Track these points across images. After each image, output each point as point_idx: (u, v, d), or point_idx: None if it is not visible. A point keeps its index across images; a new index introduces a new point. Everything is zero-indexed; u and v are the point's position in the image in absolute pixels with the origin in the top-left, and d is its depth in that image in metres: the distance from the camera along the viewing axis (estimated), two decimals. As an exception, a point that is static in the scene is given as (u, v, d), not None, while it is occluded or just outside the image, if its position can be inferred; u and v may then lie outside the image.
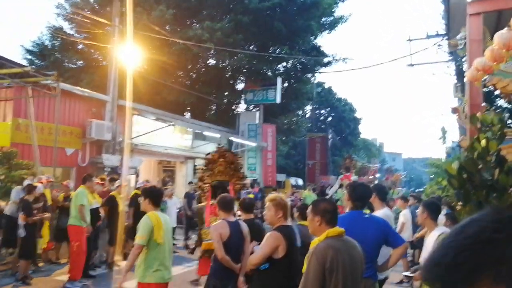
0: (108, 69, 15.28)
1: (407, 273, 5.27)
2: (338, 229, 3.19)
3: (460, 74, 13.27)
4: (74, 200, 8.22)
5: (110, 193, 9.54)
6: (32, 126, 11.58)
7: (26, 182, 9.24)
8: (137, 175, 15.55)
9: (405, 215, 9.17)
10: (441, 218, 5.06)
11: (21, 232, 8.05)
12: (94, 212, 8.79)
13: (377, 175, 35.25)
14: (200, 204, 8.07)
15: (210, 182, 7.92)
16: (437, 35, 14.81)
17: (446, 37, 12.82)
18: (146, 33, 17.13)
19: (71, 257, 8.28)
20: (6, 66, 10.22)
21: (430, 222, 4.75)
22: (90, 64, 23.30)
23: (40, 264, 9.45)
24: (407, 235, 8.59)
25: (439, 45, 14.99)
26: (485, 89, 7.95)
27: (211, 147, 20.60)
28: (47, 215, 8.91)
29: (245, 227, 4.96)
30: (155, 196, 4.98)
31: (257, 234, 4.90)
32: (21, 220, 8.07)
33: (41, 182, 9.50)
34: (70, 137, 13.55)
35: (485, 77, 5.76)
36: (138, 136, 15.91)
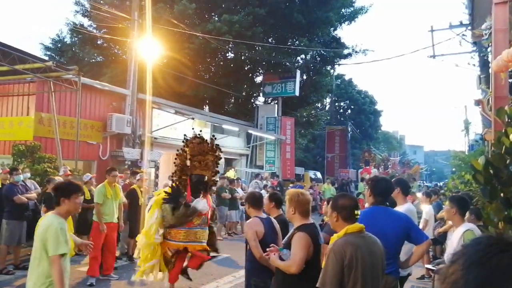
0: (128, 63, 15.38)
1: (430, 266, 5.16)
2: (358, 225, 3.14)
3: (484, 65, 12.92)
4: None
5: (131, 186, 9.63)
6: (54, 120, 11.78)
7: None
8: (157, 168, 15.65)
9: (428, 212, 8.99)
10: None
11: (43, 225, 8.14)
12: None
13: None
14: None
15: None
16: (461, 25, 14.42)
17: (470, 27, 12.53)
18: (165, 27, 17.18)
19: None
20: (28, 61, 10.34)
21: (458, 218, 4.65)
22: (109, 58, 23.51)
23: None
24: (430, 232, 8.45)
25: (463, 35, 14.61)
26: (510, 80, 7.73)
27: (230, 140, 20.69)
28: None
29: (276, 223, 4.80)
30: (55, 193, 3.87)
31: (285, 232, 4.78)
32: (43, 213, 8.18)
33: (68, 175, 9.62)
34: (91, 130, 13.73)
35: (511, 68, 5.60)
36: (158, 129, 16.03)
